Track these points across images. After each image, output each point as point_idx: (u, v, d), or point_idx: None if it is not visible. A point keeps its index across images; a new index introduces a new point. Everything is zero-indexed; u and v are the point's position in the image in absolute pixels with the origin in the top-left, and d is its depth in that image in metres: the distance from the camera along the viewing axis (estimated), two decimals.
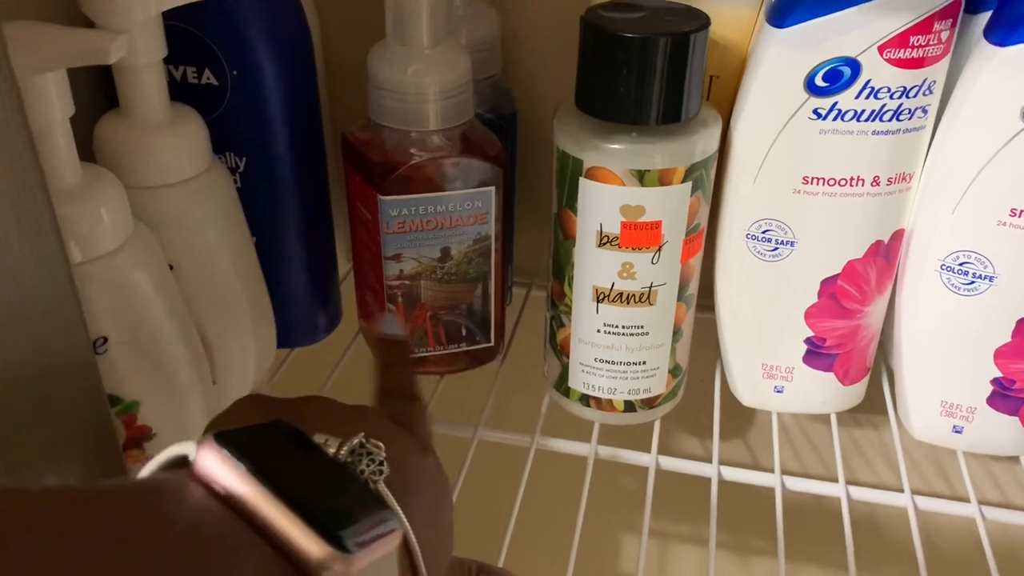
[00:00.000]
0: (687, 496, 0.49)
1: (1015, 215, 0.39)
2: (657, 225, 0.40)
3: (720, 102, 0.43)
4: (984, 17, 0.39)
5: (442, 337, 0.47)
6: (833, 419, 0.48)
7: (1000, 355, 0.42)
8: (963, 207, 0.40)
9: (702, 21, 0.38)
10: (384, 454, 0.24)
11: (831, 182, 0.40)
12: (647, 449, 0.46)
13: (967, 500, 0.44)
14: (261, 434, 0.23)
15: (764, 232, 0.42)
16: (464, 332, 0.47)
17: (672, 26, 0.37)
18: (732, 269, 0.44)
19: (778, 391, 0.47)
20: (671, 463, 0.46)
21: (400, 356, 0.37)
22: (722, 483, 0.45)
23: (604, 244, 0.41)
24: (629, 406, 0.45)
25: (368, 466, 0.23)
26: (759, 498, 0.46)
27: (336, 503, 0.21)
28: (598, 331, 0.43)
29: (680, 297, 0.43)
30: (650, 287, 0.42)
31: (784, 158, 0.40)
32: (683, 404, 0.48)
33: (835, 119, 0.39)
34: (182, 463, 0.22)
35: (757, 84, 0.40)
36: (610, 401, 0.45)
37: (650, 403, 0.46)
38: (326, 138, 0.47)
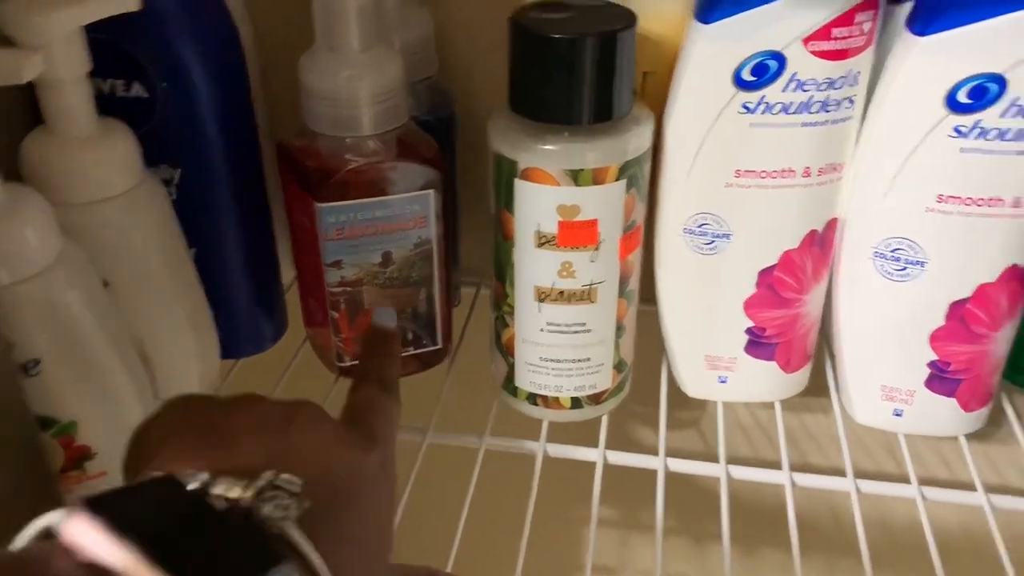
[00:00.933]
0: (641, 489, 0.49)
1: (942, 200, 0.40)
2: (593, 224, 0.40)
3: (655, 98, 0.43)
4: (906, 7, 0.39)
5: None
6: (777, 406, 0.49)
7: (935, 338, 0.43)
8: (892, 195, 0.40)
9: (628, 20, 0.38)
10: (299, 486, 0.23)
11: (763, 174, 0.41)
12: (596, 445, 0.46)
13: (909, 482, 0.45)
14: (140, 494, 0.22)
15: (700, 226, 0.43)
16: (410, 336, 0.47)
17: (599, 25, 0.37)
18: (671, 263, 0.45)
19: (722, 381, 0.48)
20: (618, 457, 0.46)
21: (386, 347, 0.36)
22: (674, 475, 0.45)
23: (543, 244, 0.41)
24: (576, 403, 0.46)
25: (274, 510, 0.22)
26: (712, 489, 0.47)
27: (215, 560, 0.20)
28: (541, 330, 0.43)
29: (621, 293, 0.43)
30: (590, 285, 0.42)
31: (716, 152, 0.41)
32: (632, 398, 0.48)
33: (764, 112, 0.39)
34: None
35: (687, 80, 0.40)
36: (557, 399, 0.46)
37: (596, 399, 0.46)
38: (263, 147, 0.47)
